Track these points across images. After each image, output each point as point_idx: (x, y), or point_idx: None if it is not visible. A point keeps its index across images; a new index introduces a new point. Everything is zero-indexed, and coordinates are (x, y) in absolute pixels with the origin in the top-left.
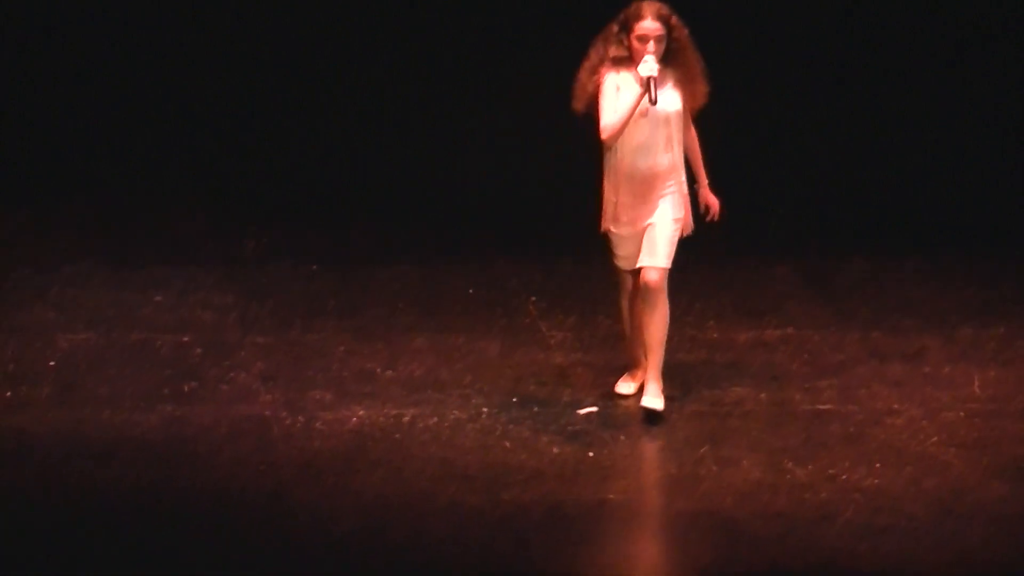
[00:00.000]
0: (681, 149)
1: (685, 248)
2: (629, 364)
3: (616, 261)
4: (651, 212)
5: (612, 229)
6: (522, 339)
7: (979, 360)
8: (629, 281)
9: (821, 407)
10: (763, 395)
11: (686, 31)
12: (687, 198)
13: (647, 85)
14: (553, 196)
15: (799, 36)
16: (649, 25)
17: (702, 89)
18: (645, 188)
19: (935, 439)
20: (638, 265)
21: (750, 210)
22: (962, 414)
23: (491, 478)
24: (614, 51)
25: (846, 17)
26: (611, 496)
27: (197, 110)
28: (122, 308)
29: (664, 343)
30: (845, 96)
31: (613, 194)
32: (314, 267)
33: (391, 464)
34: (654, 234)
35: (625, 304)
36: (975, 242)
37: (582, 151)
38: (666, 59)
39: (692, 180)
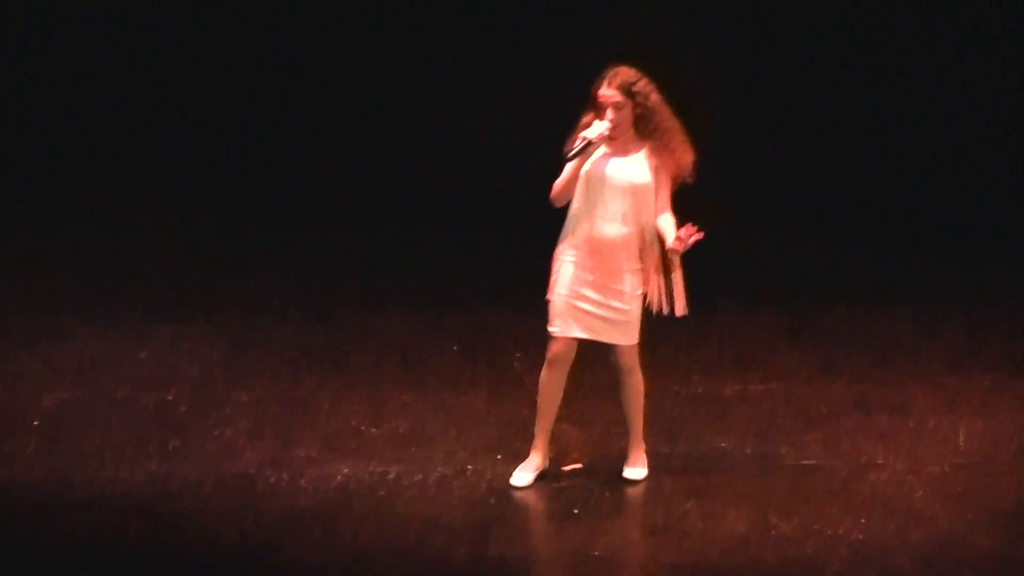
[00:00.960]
0: (649, 226)
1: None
2: (532, 447)
3: (551, 326)
4: (609, 287)
5: (561, 293)
6: (507, 394)
7: (964, 412)
8: (559, 349)
9: (806, 461)
10: (748, 449)
11: (654, 98)
12: (652, 276)
13: (579, 141)
14: (537, 248)
15: (780, 87)
16: (604, 92)
17: (682, 157)
18: (602, 259)
19: (920, 493)
20: (609, 341)
21: (735, 259)
22: (947, 467)
23: (476, 534)
24: (586, 116)
25: (831, 61)
26: (596, 552)
27: (180, 163)
28: (107, 363)
29: (641, 416)
30: (827, 147)
31: (575, 258)
32: (298, 322)
33: (377, 520)
34: (617, 312)
35: (546, 377)
36: (960, 292)
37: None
38: (638, 128)
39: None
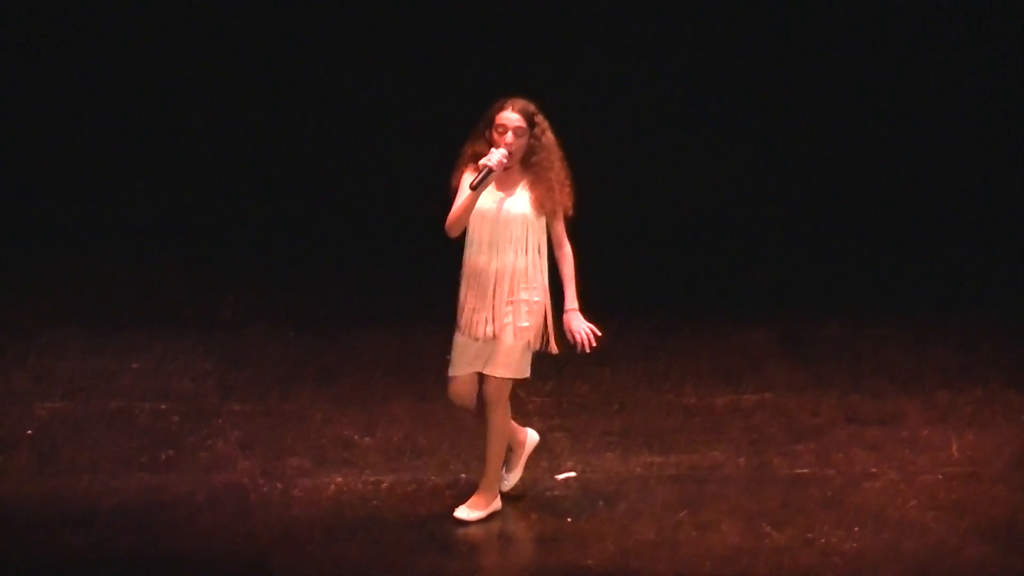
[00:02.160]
0: (537, 256)
1: (663, 312)
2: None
3: (448, 369)
4: (493, 318)
5: (456, 332)
6: None
7: (956, 423)
8: (455, 390)
9: (799, 471)
10: (741, 459)
11: (550, 134)
12: (540, 308)
13: (478, 171)
14: None
15: (772, 102)
16: (508, 115)
17: (559, 199)
18: (486, 289)
19: (913, 503)
20: (482, 371)
21: (727, 273)
22: (940, 477)
23: (470, 545)
24: (476, 147)
25: (824, 77)
26: (589, 562)
27: (174, 175)
28: (100, 376)
29: (500, 456)
30: (819, 160)
31: (462, 294)
32: (292, 333)
33: (369, 531)
34: (497, 342)
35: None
36: (952, 304)
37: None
38: (526, 161)
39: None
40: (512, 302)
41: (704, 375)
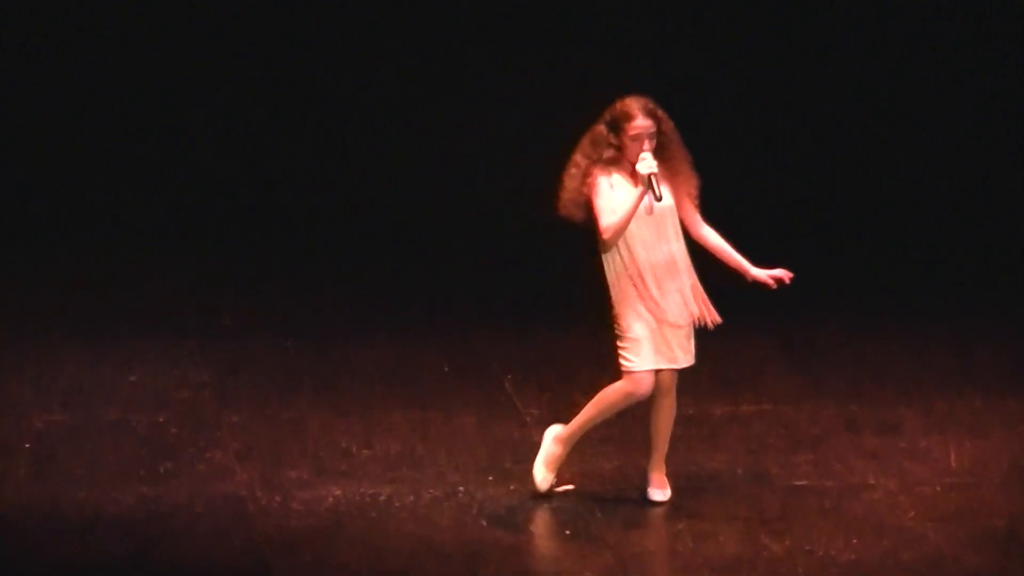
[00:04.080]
0: (683, 242)
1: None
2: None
3: (638, 364)
4: (678, 304)
5: (640, 326)
6: (498, 415)
7: (955, 432)
8: (646, 383)
9: (797, 481)
10: (739, 469)
11: (671, 124)
12: (701, 289)
13: (649, 182)
14: (529, 270)
15: (769, 108)
16: (642, 123)
17: (691, 180)
18: (668, 278)
19: (912, 512)
20: (676, 366)
21: (726, 280)
22: (939, 487)
23: (468, 556)
24: (606, 153)
25: (823, 81)
26: (588, 573)
27: (172, 183)
28: (98, 386)
29: (668, 438)
30: (817, 167)
31: (636, 292)
32: (289, 343)
33: (368, 542)
34: (685, 331)
35: (626, 409)
36: (950, 313)
37: (558, 226)
38: (659, 155)
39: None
40: (680, 289)
41: (702, 384)
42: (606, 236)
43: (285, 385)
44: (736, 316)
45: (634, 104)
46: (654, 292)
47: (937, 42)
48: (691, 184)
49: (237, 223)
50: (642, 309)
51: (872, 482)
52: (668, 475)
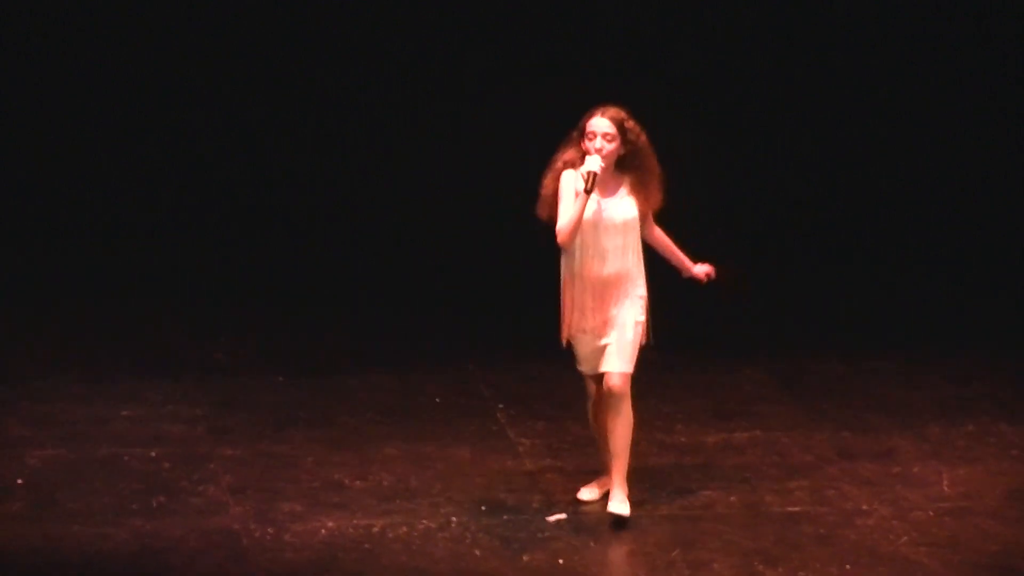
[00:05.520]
0: (639, 257)
1: (655, 350)
2: (599, 470)
3: (579, 367)
4: (611, 317)
5: (574, 335)
6: (491, 446)
7: (948, 458)
8: (592, 387)
9: (792, 508)
10: (733, 497)
11: (643, 137)
12: (646, 304)
13: (586, 178)
14: (520, 299)
15: (762, 140)
16: (597, 122)
17: (656, 196)
18: (604, 293)
19: (906, 538)
20: (601, 370)
21: (717, 309)
22: (932, 513)
23: None
24: (570, 154)
25: (817, 118)
26: None
27: (165, 223)
28: (91, 422)
29: (628, 448)
30: (810, 199)
31: (572, 301)
32: (280, 379)
33: (362, 574)
34: (615, 339)
35: (591, 410)
36: (942, 339)
37: (548, 253)
38: (622, 165)
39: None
40: (632, 297)
41: (695, 413)
42: (559, 238)
43: (278, 419)
44: (729, 345)
45: (601, 108)
46: (589, 300)
47: (943, 54)
48: (655, 201)
49: (230, 258)
50: (575, 312)
51: (866, 508)
52: (659, 503)
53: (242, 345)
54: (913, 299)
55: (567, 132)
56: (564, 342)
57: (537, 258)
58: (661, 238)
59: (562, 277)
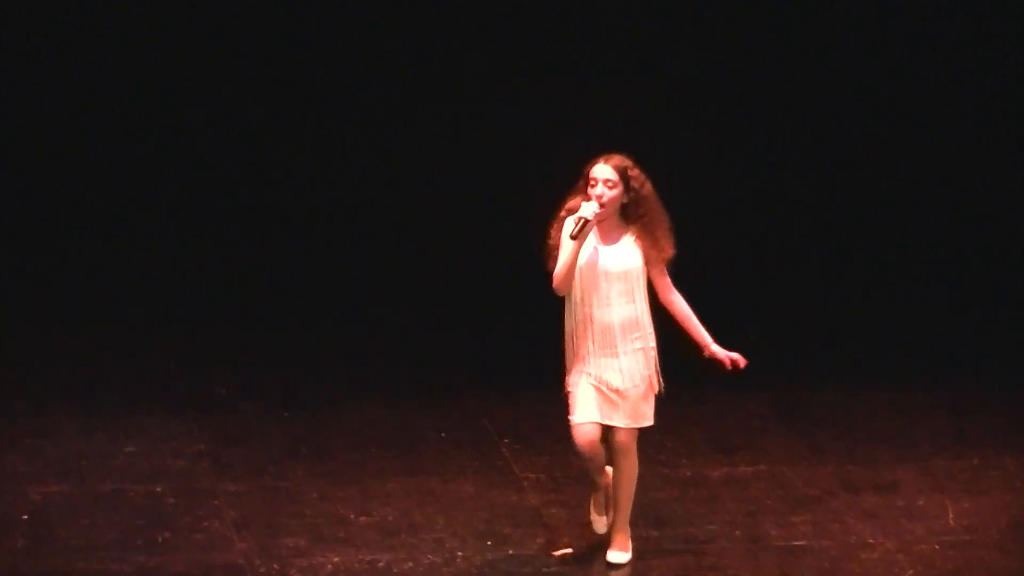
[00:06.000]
0: (646, 306)
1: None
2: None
3: (572, 417)
4: (616, 368)
5: (575, 381)
6: (495, 480)
7: (953, 491)
8: (584, 439)
9: (796, 542)
10: (737, 531)
11: (648, 186)
12: (654, 355)
13: (576, 222)
14: (524, 333)
15: (753, 170)
16: (599, 169)
17: (665, 247)
18: (605, 341)
19: (911, 572)
20: (606, 422)
21: (718, 341)
22: (937, 546)
23: None
24: (576, 202)
25: (816, 145)
26: None
27: (163, 255)
28: (93, 457)
29: (631, 499)
30: (809, 229)
31: (575, 347)
32: (285, 412)
33: None
34: (623, 394)
35: (590, 464)
36: (945, 370)
37: (546, 288)
38: (627, 214)
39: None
40: (632, 351)
41: (698, 446)
42: (553, 284)
43: (281, 453)
44: (731, 378)
45: (604, 156)
46: (590, 347)
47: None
48: (665, 250)
49: (229, 291)
50: (576, 361)
51: (871, 541)
52: (663, 537)
53: (243, 379)
54: (910, 327)
55: (574, 180)
56: (568, 389)
57: (540, 287)
58: (681, 308)
59: (566, 324)
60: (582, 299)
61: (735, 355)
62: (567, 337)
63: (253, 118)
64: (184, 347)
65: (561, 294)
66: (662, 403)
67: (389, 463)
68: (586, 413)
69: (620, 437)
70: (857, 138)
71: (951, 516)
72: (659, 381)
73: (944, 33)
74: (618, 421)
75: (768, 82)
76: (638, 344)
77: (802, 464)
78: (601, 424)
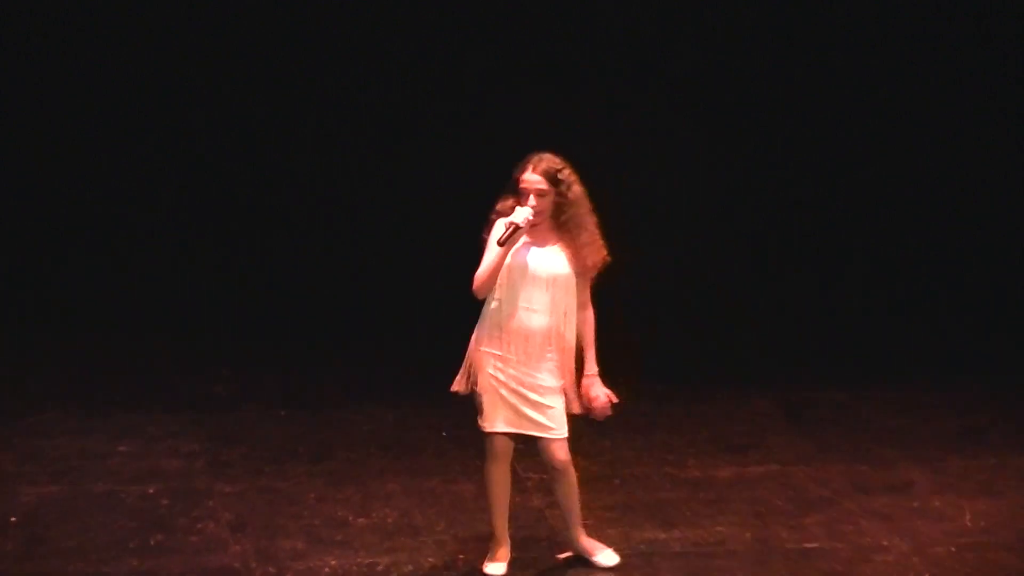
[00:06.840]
0: (570, 317)
1: (662, 383)
2: (493, 541)
3: (483, 422)
4: (534, 378)
5: (486, 387)
6: None
7: (968, 491)
8: (497, 446)
9: (808, 544)
10: (747, 533)
11: (576, 189)
12: (571, 369)
13: (507, 226)
14: None
15: (761, 173)
16: (528, 177)
17: (593, 254)
18: (527, 347)
19: (926, 574)
20: (533, 434)
21: (727, 342)
22: (953, 548)
23: None
24: (504, 204)
25: (820, 146)
26: None
27: (161, 254)
28: (88, 457)
29: (579, 507)
30: (816, 229)
31: (487, 349)
32: (282, 412)
33: None
34: (544, 405)
35: (492, 473)
36: (958, 369)
37: None
38: (557, 218)
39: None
40: (552, 360)
41: (706, 447)
42: (473, 286)
43: (279, 454)
44: (739, 378)
45: (535, 159)
46: (508, 352)
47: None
48: (590, 257)
49: (228, 291)
50: (490, 364)
51: (884, 544)
52: (671, 539)
53: (241, 379)
54: (924, 328)
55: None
56: (460, 389)
57: None
58: (584, 324)
59: (479, 323)
60: (510, 300)
61: (606, 398)
62: (477, 336)
63: (253, 118)
64: (182, 346)
65: (480, 297)
66: (668, 403)
67: (389, 463)
68: (498, 422)
69: (556, 450)
70: (857, 138)
71: (968, 517)
72: (576, 397)
73: (944, 33)
74: (552, 433)
75: (768, 82)
76: (559, 356)
77: (812, 464)
78: (515, 434)
